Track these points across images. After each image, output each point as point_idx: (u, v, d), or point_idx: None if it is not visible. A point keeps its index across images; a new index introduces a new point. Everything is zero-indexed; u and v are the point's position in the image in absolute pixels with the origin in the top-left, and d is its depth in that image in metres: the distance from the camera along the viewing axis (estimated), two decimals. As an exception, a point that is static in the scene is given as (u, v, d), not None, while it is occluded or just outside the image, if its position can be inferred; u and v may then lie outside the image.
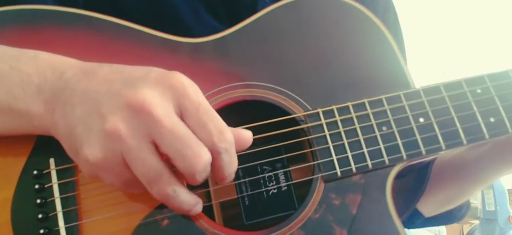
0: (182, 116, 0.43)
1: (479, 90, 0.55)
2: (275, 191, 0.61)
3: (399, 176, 0.56)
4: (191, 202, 0.46)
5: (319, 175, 0.53)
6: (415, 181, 0.67)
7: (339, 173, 0.52)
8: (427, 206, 0.70)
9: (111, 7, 0.60)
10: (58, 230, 0.49)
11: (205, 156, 0.43)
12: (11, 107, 0.47)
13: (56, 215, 0.50)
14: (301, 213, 0.52)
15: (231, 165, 0.45)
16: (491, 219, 2.26)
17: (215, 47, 0.58)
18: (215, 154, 0.43)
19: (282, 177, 0.60)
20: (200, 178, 0.44)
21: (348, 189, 0.52)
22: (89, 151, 0.43)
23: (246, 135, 0.47)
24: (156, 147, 0.42)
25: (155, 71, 0.44)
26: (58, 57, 0.50)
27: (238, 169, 0.58)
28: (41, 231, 0.49)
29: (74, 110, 0.44)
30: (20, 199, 0.50)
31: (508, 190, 2.29)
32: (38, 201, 0.50)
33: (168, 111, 0.42)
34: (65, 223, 0.50)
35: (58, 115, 0.46)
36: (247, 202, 0.60)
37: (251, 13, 0.61)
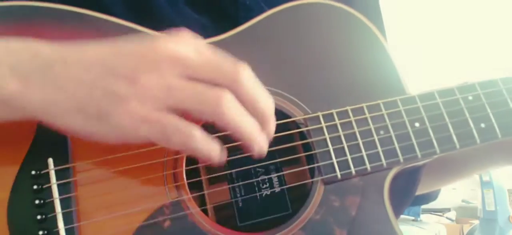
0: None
1: (470, 97, 0.58)
2: (268, 193, 0.61)
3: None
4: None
5: (320, 177, 0.54)
6: (405, 184, 0.69)
7: (339, 176, 0.54)
8: None
9: (91, 1, 0.58)
10: (58, 232, 0.48)
11: (225, 93, 0.43)
12: None
13: (55, 216, 0.48)
14: (302, 215, 0.53)
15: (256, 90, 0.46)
16: (491, 219, 2.24)
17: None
18: (238, 86, 0.45)
19: (275, 180, 0.61)
20: (232, 119, 0.44)
21: (347, 191, 0.54)
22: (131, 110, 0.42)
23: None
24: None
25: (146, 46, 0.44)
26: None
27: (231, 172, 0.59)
28: (40, 233, 0.47)
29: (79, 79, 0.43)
30: (17, 200, 0.49)
31: (508, 190, 2.29)
32: (37, 202, 0.49)
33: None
34: (64, 224, 0.48)
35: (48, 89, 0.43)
36: (240, 204, 0.61)
37: (232, 5, 0.61)
